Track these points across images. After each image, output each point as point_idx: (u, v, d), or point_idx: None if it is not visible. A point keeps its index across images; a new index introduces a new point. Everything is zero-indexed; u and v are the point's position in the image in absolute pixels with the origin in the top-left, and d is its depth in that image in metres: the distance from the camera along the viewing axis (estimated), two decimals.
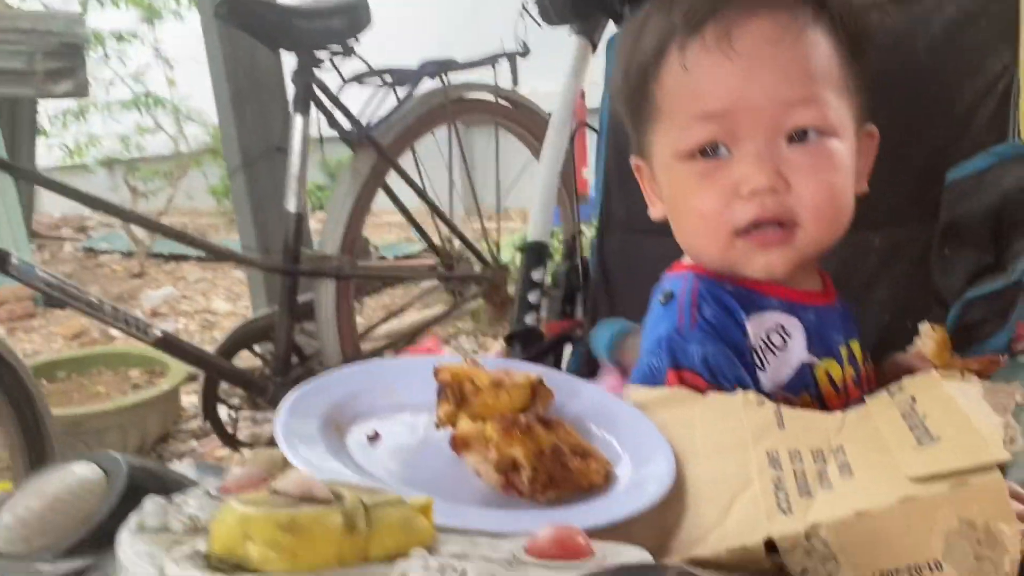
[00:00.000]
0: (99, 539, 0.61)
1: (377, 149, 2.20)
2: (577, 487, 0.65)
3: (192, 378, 3.09)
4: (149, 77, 5.13)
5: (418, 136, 2.32)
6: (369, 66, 2.19)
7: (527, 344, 1.33)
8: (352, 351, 2.21)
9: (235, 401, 2.32)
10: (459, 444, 0.68)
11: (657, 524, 0.62)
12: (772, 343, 0.83)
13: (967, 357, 0.91)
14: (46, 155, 5.41)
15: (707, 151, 0.83)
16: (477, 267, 2.53)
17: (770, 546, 0.57)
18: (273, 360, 2.20)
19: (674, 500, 0.63)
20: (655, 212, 0.93)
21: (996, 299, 0.96)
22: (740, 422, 0.68)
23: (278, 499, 0.52)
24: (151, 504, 0.57)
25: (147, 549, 0.53)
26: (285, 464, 0.67)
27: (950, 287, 1.00)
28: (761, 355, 0.82)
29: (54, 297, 1.90)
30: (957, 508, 0.52)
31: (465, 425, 0.68)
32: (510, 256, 2.69)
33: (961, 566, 0.51)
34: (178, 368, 2.82)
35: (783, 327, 0.84)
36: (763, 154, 0.80)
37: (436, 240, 2.50)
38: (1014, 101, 1.04)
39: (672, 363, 0.80)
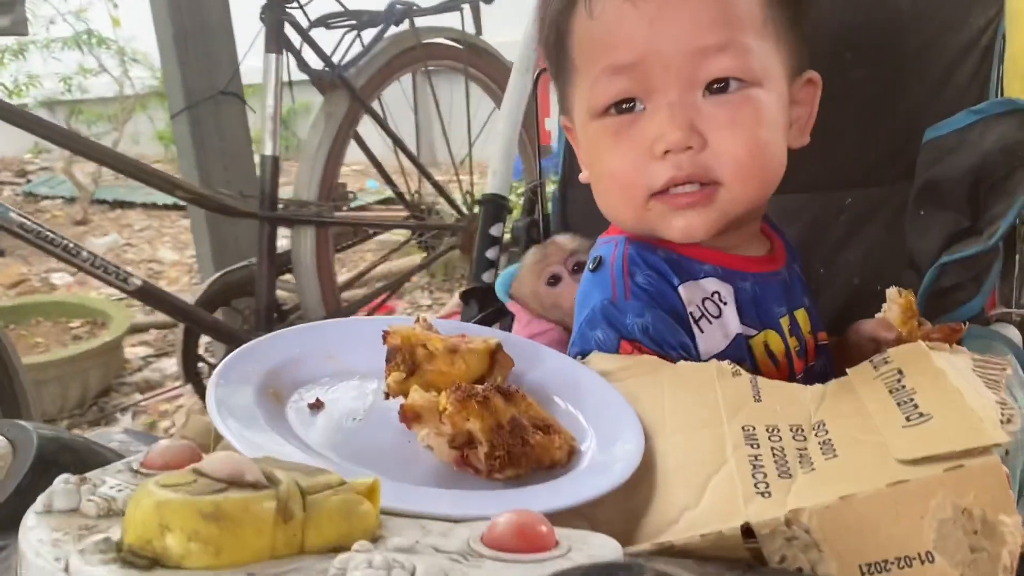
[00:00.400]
0: (3, 519, 0.55)
1: (350, 91, 2.11)
2: (538, 464, 0.60)
3: (137, 330, 2.99)
4: (92, 15, 4.91)
5: (387, 80, 2.24)
6: (344, 6, 2.09)
7: (484, 302, 1.28)
8: (334, 304, 2.13)
9: (215, 360, 2.24)
10: (410, 416, 0.62)
11: (624, 506, 0.57)
12: (707, 310, 0.79)
13: (935, 324, 0.87)
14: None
15: (621, 106, 0.78)
16: (451, 218, 2.47)
17: (747, 532, 0.52)
18: (254, 315, 2.10)
19: (643, 479, 0.59)
20: (583, 175, 0.88)
21: (971, 264, 0.92)
22: (714, 393, 0.63)
23: (203, 483, 0.46)
24: (62, 483, 0.51)
25: (52, 536, 0.47)
26: (219, 436, 0.61)
27: (924, 250, 0.96)
28: (696, 322, 0.78)
29: (28, 240, 1.78)
30: (951, 494, 0.48)
31: (417, 395, 0.62)
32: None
33: (955, 558, 0.47)
34: (121, 319, 2.72)
35: (719, 294, 0.79)
36: (676, 108, 0.75)
37: (406, 190, 2.43)
38: (999, 56, 1.00)
39: (618, 335, 0.76)
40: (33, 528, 0.47)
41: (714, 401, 0.62)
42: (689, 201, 0.77)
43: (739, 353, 0.79)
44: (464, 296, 1.29)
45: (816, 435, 0.57)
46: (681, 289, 0.78)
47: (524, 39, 1.33)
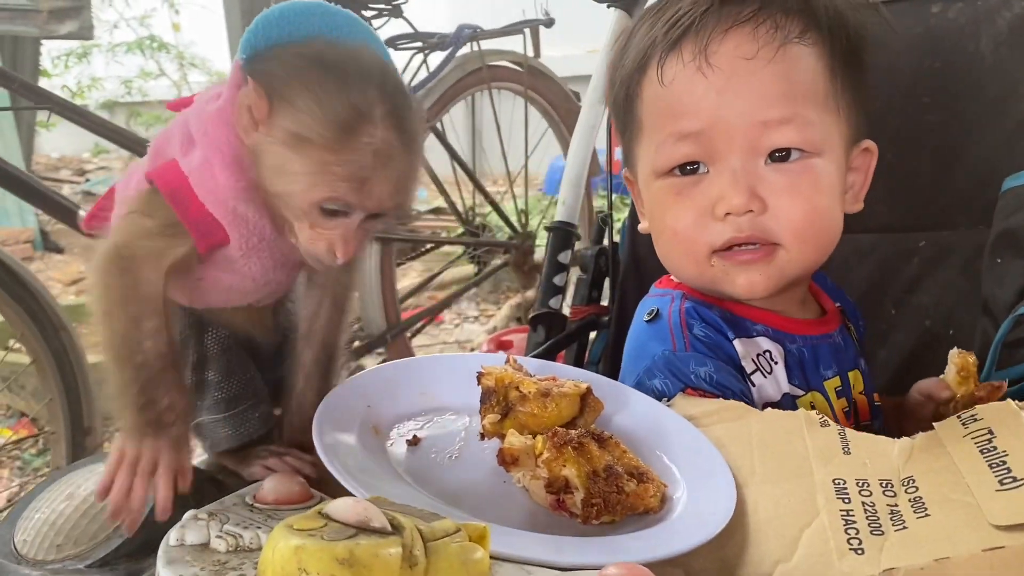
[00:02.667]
0: (133, 549, 0.59)
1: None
2: (632, 511, 0.62)
3: None
4: (154, 21, 5.04)
5: (453, 101, 2.27)
6: (414, 28, 2.13)
7: (551, 328, 1.30)
8: (394, 317, 2.16)
9: None
10: (508, 460, 0.64)
11: (718, 555, 0.59)
12: (761, 365, 0.82)
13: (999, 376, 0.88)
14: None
15: (685, 167, 0.81)
16: (504, 234, 2.51)
17: None
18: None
19: (735, 529, 0.61)
20: (642, 225, 0.92)
21: None
22: (803, 443, 0.65)
23: (333, 527, 0.49)
24: (192, 518, 0.54)
25: (191, 570, 0.50)
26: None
27: (1001, 298, 0.97)
28: (749, 376, 0.81)
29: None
30: None
31: (514, 439, 0.65)
32: (537, 223, 2.65)
33: None
34: None
35: (770, 352, 0.83)
36: (739, 174, 0.78)
37: (462, 207, 2.47)
38: None
39: (683, 383, 0.78)
40: (172, 563, 0.51)
41: (803, 451, 0.64)
42: (751, 258, 0.80)
43: (788, 408, 0.79)
44: (532, 322, 1.31)
45: (906, 491, 0.59)
46: (736, 343, 0.82)
47: (597, 70, 1.35)
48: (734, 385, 0.78)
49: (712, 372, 0.78)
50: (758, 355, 0.82)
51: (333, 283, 0.76)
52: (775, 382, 0.81)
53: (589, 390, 0.70)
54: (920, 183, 1.11)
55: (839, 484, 0.61)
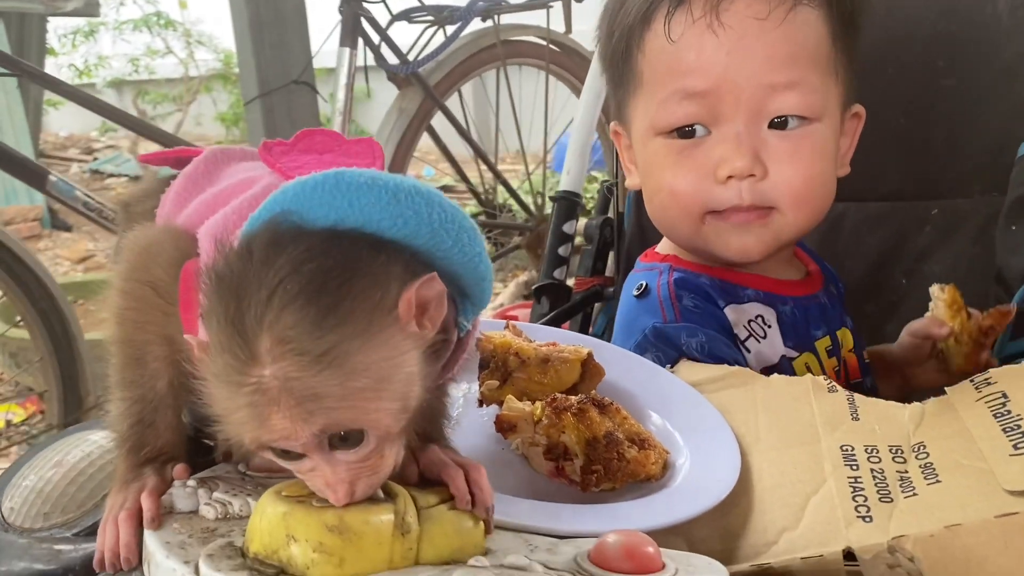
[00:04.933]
0: None
1: (424, 88, 2.13)
2: (632, 478, 0.61)
3: None
4: None
5: (465, 77, 2.24)
6: (421, 1, 2.10)
7: (555, 299, 1.28)
8: None
9: None
10: (505, 426, 0.63)
11: (720, 524, 0.58)
12: (754, 331, 0.81)
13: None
14: (54, 74, 5.31)
15: (684, 129, 0.80)
16: (521, 216, 2.48)
17: (848, 556, 0.52)
18: None
19: (739, 497, 0.59)
20: (630, 181, 0.90)
21: None
22: (810, 410, 0.63)
23: None
24: (180, 487, 0.53)
25: (178, 538, 0.49)
26: None
27: (1015, 266, 0.95)
28: (743, 343, 0.80)
29: (92, 219, 1.82)
30: None
31: (512, 406, 0.64)
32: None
33: None
34: None
35: (762, 317, 0.82)
36: (743, 137, 0.77)
37: (479, 187, 2.44)
38: None
39: (676, 354, 0.77)
40: (159, 530, 0.49)
41: (810, 417, 0.62)
42: (746, 219, 0.79)
43: (785, 372, 0.81)
44: (536, 293, 1.29)
45: (916, 457, 0.57)
46: (727, 311, 0.81)
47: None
48: (727, 354, 0.78)
49: (704, 342, 0.77)
50: (749, 321, 0.81)
51: None
52: (771, 345, 0.81)
53: (590, 355, 0.69)
54: (933, 150, 1.08)
55: (847, 451, 0.59)
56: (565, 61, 2.37)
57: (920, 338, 0.87)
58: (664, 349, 0.78)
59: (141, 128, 2.10)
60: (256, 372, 0.43)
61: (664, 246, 0.90)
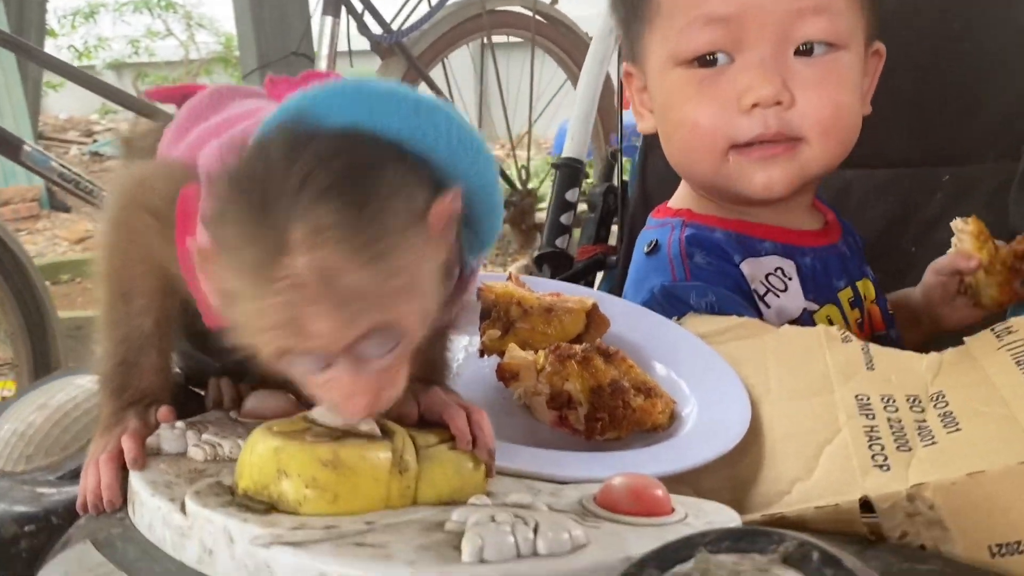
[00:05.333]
0: None
1: (407, 58, 2.09)
2: (638, 427, 0.59)
3: None
4: None
5: (449, 48, 2.20)
6: None
7: (556, 268, 1.26)
8: None
9: None
10: (507, 374, 0.61)
11: (730, 474, 0.56)
12: (772, 285, 0.78)
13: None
14: (54, 55, 5.28)
15: (705, 58, 0.76)
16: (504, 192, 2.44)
17: (865, 506, 0.50)
18: None
19: (749, 447, 0.57)
20: (644, 125, 0.87)
21: None
22: (823, 360, 0.61)
23: (317, 431, 0.45)
24: (167, 428, 0.51)
25: (165, 478, 0.47)
26: None
27: None
28: (761, 298, 0.77)
29: (67, 189, 1.79)
30: None
31: (514, 354, 0.61)
32: (538, 183, 2.59)
33: None
34: None
35: (782, 270, 0.79)
36: (769, 64, 0.74)
37: None
38: None
39: (681, 315, 0.74)
40: (145, 470, 0.47)
41: (823, 368, 0.60)
42: (772, 153, 0.76)
43: (808, 324, 0.77)
44: (537, 261, 1.27)
45: (935, 406, 0.55)
46: (743, 266, 0.78)
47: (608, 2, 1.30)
48: (739, 312, 0.74)
49: (715, 302, 0.74)
50: (768, 275, 0.78)
51: None
52: (791, 299, 0.78)
53: (595, 306, 0.67)
54: (946, 115, 1.05)
55: (862, 400, 0.57)
56: (551, 32, 2.33)
57: (946, 275, 0.84)
58: (673, 309, 0.75)
59: (140, 108, 2.07)
60: (289, 264, 0.39)
61: (678, 199, 0.87)
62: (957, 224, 0.81)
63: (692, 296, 0.75)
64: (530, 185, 2.47)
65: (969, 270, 0.81)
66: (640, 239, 0.86)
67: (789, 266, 0.79)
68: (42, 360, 1.76)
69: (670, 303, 0.75)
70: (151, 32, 5.42)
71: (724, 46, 0.75)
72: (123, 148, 0.64)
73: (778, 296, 0.78)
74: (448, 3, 2.13)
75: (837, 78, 0.76)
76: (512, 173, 2.44)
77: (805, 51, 0.75)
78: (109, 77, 5.47)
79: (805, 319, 0.78)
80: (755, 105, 0.74)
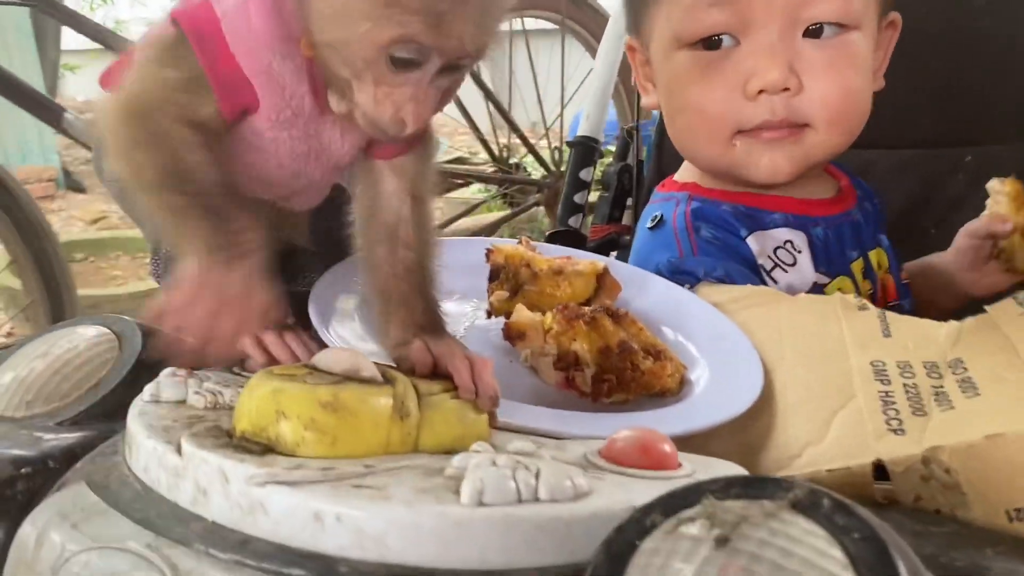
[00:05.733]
0: (108, 409, 0.54)
1: None
2: (647, 390, 0.58)
3: None
4: None
5: None
6: None
7: (568, 247, 1.24)
8: None
9: None
10: (514, 334, 0.60)
11: (740, 439, 0.54)
12: (780, 260, 0.76)
13: None
14: (72, 38, 5.29)
15: (710, 40, 0.74)
16: (537, 174, 2.42)
17: (878, 470, 0.49)
18: (328, 246, 2.09)
19: (760, 413, 0.55)
20: (648, 100, 0.85)
21: None
22: (838, 327, 0.59)
23: (318, 375, 0.44)
24: (169, 375, 0.50)
25: (162, 423, 0.46)
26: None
27: None
28: (768, 273, 0.76)
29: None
30: None
31: (521, 314, 0.60)
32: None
33: None
34: None
35: (791, 242, 0.77)
36: (777, 47, 0.72)
37: (493, 143, 2.39)
38: None
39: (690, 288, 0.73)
40: (143, 414, 0.47)
41: (838, 335, 0.59)
42: (778, 136, 0.74)
43: None
44: (550, 240, 1.26)
45: (954, 373, 0.53)
46: (750, 240, 0.76)
47: None
48: (749, 283, 0.72)
49: (723, 276, 0.72)
50: (776, 249, 0.77)
51: (412, 175, 0.58)
52: (800, 273, 0.76)
53: (606, 270, 0.65)
54: (969, 93, 1.03)
55: (878, 366, 0.55)
56: (580, 17, 2.30)
57: (980, 238, 0.82)
58: (681, 284, 0.73)
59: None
60: None
61: (683, 173, 0.85)
62: (994, 185, 0.79)
63: (700, 270, 0.73)
64: (563, 168, 2.45)
65: (1004, 234, 0.79)
66: (644, 214, 0.84)
67: (800, 238, 0.77)
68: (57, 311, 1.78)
69: (677, 278, 0.74)
70: None
71: (730, 28, 0.73)
72: None
73: (786, 271, 0.76)
74: None
75: (847, 61, 0.74)
76: (545, 155, 2.42)
77: (814, 32, 0.73)
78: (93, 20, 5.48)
79: (816, 293, 0.75)
80: (761, 91, 0.73)
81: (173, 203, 0.51)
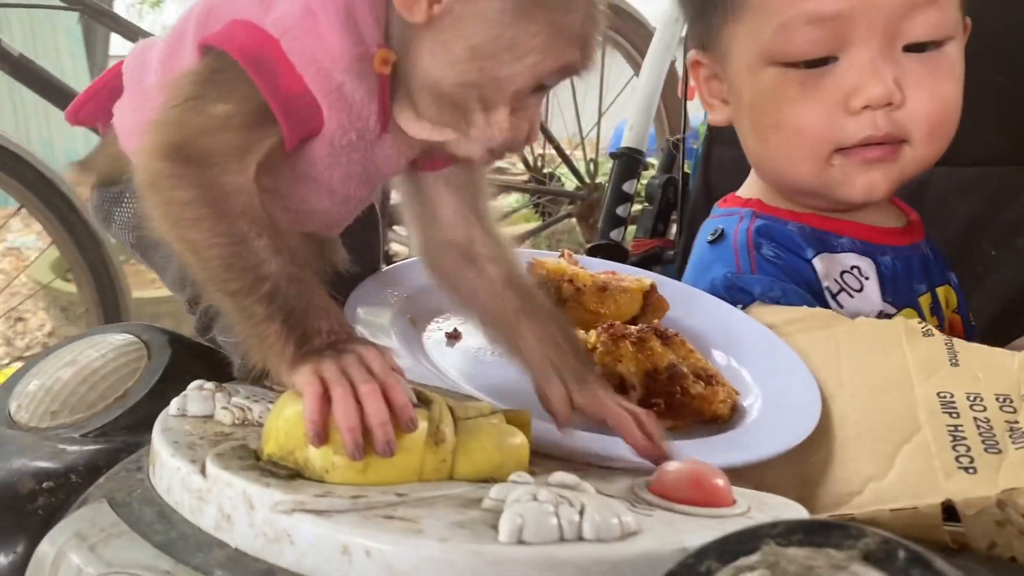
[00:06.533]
0: (134, 421, 0.53)
1: None
2: (698, 417, 0.54)
3: None
4: None
5: None
6: None
7: (610, 260, 1.22)
8: None
9: None
10: None
11: (796, 471, 0.51)
12: (847, 284, 0.74)
13: None
14: (120, 43, 5.39)
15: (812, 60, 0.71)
16: (571, 185, 2.39)
17: (947, 511, 0.45)
18: (363, 265, 2.09)
19: (817, 443, 0.52)
20: (717, 116, 0.82)
21: None
22: (901, 354, 0.56)
23: None
24: (196, 388, 0.48)
25: (187, 439, 0.44)
26: None
27: None
28: (834, 297, 0.73)
29: None
30: None
31: None
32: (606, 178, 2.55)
33: None
34: None
35: (858, 268, 0.74)
36: (879, 61, 0.69)
37: (528, 153, 2.37)
38: None
39: (744, 307, 0.70)
40: (168, 430, 0.45)
41: (901, 362, 0.55)
42: (879, 155, 0.72)
43: None
44: (590, 253, 1.23)
45: None
46: (816, 261, 0.73)
47: None
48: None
49: (779, 296, 0.70)
50: (843, 273, 0.73)
51: (465, 184, 0.55)
52: (867, 300, 0.73)
53: (653, 287, 0.63)
54: None
55: (945, 398, 0.52)
56: (618, 25, 2.28)
57: None
58: (734, 301, 0.70)
59: None
60: None
61: (747, 189, 0.82)
62: None
63: (756, 289, 0.71)
64: (598, 180, 2.41)
65: None
66: (704, 227, 0.81)
67: (867, 265, 0.75)
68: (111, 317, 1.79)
69: (732, 295, 0.71)
70: None
71: (830, 47, 0.70)
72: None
73: (852, 296, 0.73)
74: None
75: (945, 72, 0.71)
76: (580, 167, 2.39)
77: (917, 47, 0.70)
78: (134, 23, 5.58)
79: None
80: (865, 107, 0.70)
81: (249, 314, 0.44)
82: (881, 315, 0.72)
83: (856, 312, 0.72)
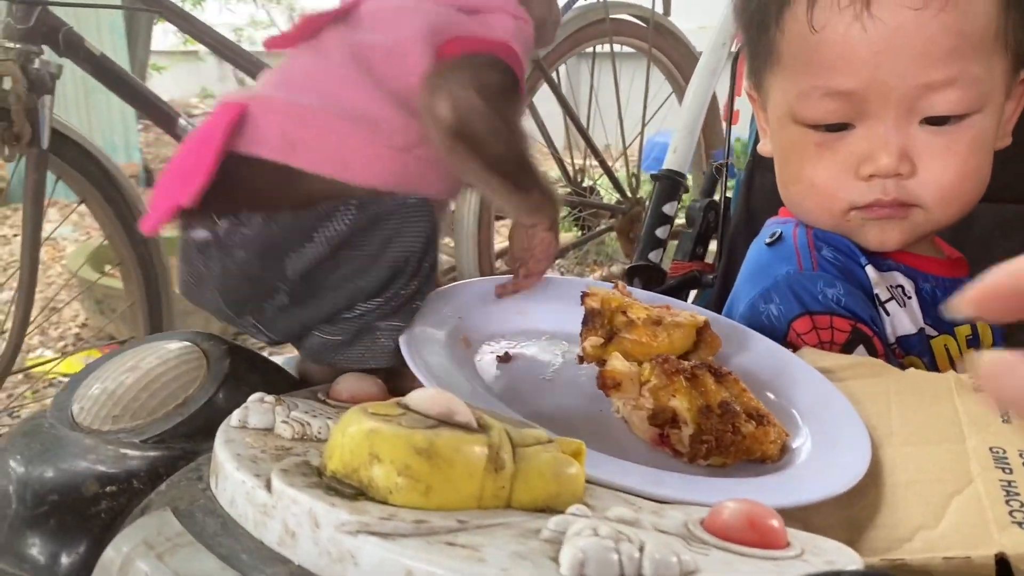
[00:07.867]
0: (192, 429, 0.54)
1: (533, 59, 2.08)
2: (747, 456, 0.55)
3: None
4: None
5: (570, 52, 2.18)
6: None
7: (648, 282, 1.22)
8: (488, 270, 2.10)
9: None
10: (609, 383, 0.57)
11: (845, 514, 0.51)
12: (897, 294, 0.76)
13: None
14: (162, 39, 5.47)
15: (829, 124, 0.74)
16: (612, 198, 2.40)
17: (1000, 564, 0.45)
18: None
19: (867, 489, 0.52)
20: (764, 147, 0.84)
21: None
22: (952, 407, 0.56)
23: (412, 417, 0.42)
24: (258, 400, 0.49)
25: (250, 452, 0.45)
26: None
27: None
28: (883, 304, 0.75)
29: None
30: None
31: (618, 362, 0.58)
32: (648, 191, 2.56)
33: None
34: None
35: (903, 288, 0.76)
36: (891, 135, 0.71)
37: (570, 166, 2.37)
38: None
39: (801, 308, 0.72)
40: (231, 442, 0.45)
41: (952, 415, 0.55)
42: (888, 214, 0.74)
43: (922, 346, 0.75)
44: (629, 273, 1.23)
45: None
46: (869, 269, 0.76)
47: (725, 11, 1.26)
48: (864, 311, 0.72)
49: (841, 295, 0.72)
50: (892, 285, 0.76)
51: None
52: (912, 314, 0.75)
53: (707, 323, 0.63)
54: None
55: (997, 453, 0.52)
56: (663, 44, 2.29)
57: None
58: (792, 300, 0.73)
59: (247, 62, 2.05)
60: None
61: None
62: None
63: (819, 285, 0.72)
64: (639, 194, 2.42)
65: None
66: (761, 234, 0.83)
67: (910, 286, 0.77)
68: (157, 330, 1.82)
69: (793, 292, 0.73)
70: (254, 21, 5.57)
71: (845, 117, 0.73)
72: None
73: (901, 306, 0.75)
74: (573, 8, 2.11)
75: (967, 145, 0.72)
76: (622, 180, 2.40)
77: (935, 121, 0.71)
78: (211, 63, 5.64)
79: (922, 339, 0.75)
80: (873, 175, 0.72)
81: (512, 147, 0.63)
82: (922, 331, 0.74)
83: (902, 321, 0.75)
